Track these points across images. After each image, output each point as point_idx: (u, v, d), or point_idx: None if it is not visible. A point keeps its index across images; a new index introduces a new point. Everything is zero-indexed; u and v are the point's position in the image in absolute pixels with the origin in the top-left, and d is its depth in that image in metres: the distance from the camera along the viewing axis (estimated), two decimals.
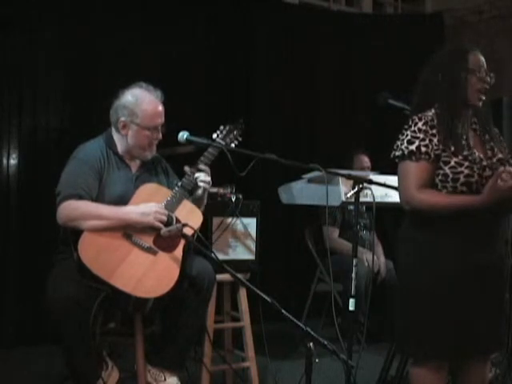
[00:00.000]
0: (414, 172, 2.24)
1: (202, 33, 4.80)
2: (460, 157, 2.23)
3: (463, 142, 2.26)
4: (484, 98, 2.31)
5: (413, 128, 2.27)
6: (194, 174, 2.88)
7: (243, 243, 3.26)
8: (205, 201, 2.98)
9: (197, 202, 2.91)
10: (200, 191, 2.90)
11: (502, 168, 2.16)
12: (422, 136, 2.24)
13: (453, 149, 2.23)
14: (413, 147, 2.24)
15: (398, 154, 2.28)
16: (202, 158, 2.94)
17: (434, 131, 2.25)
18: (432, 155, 2.23)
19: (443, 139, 2.24)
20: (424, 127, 2.25)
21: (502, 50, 5.35)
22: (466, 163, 2.22)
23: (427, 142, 2.23)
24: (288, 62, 5.21)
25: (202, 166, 2.91)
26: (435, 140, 2.24)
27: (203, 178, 2.89)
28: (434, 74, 2.32)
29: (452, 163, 2.22)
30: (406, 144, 2.26)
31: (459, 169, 2.22)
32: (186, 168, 2.90)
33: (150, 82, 2.90)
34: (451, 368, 2.41)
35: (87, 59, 4.32)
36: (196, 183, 2.88)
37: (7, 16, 4.08)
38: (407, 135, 2.27)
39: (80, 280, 2.50)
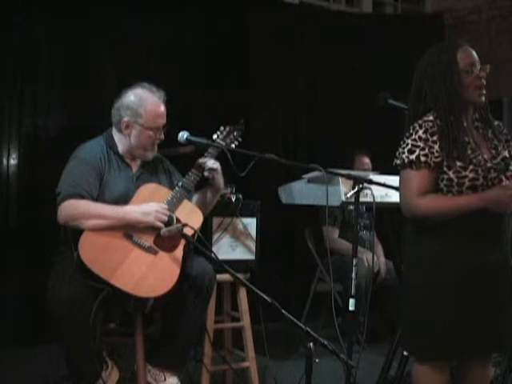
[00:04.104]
0: (415, 180, 2.24)
1: (201, 33, 4.79)
2: (464, 160, 2.22)
3: (466, 145, 2.25)
4: (484, 91, 2.30)
5: (413, 136, 2.26)
6: (203, 164, 2.89)
7: (243, 243, 3.26)
8: (216, 194, 3.00)
9: (204, 198, 2.93)
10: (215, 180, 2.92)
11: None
12: (422, 145, 2.24)
13: (456, 153, 2.23)
14: (413, 157, 2.24)
15: (398, 162, 2.29)
16: (202, 159, 2.94)
17: (435, 138, 2.24)
18: (432, 164, 2.23)
19: (445, 145, 2.23)
20: (424, 135, 2.25)
21: (502, 49, 5.35)
22: (471, 166, 2.22)
23: (427, 151, 2.23)
24: (288, 62, 5.20)
25: (208, 158, 2.92)
26: (436, 147, 2.23)
27: (211, 164, 2.90)
28: (427, 76, 2.31)
29: (456, 167, 2.22)
30: (406, 153, 2.25)
31: (464, 173, 2.21)
32: (199, 160, 2.91)
33: (150, 82, 2.90)
34: (452, 368, 2.41)
35: (87, 59, 4.32)
36: (199, 179, 2.88)
37: (7, 15, 4.08)
38: (408, 144, 2.26)
39: (80, 280, 2.50)
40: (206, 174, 2.90)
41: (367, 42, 5.44)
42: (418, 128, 2.27)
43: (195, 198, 2.97)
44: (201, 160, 2.92)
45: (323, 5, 5.73)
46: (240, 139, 3.12)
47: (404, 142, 2.29)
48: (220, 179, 2.97)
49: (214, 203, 3.02)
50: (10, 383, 3.45)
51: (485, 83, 2.29)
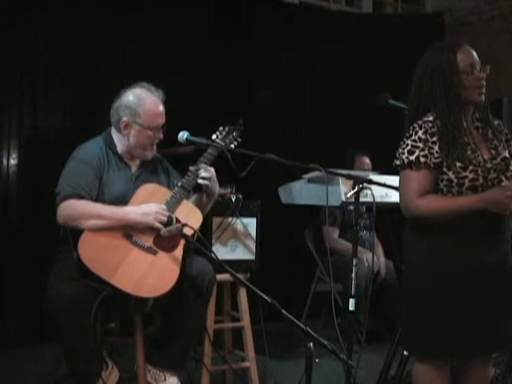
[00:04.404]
0: (414, 180, 2.24)
1: (201, 32, 4.79)
2: (464, 161, 2.22)
3: (465, 145, 2.25)
4: (484, 91, 2.29)
5: (413, 137, 2.26)
6: (196, 171, 2.89)
7: (243, 243, 3.26)
8: (211, 199, 2.98)
9: (200, 201, 2.92)
10: (204, 187, 2.91)
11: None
12: (421, 146, 2.24)
13: (455, 154, 2.23)
14: (412, 158, 2.24)
15: (398, 163, 2.29)
16: (201, 159, 2.94)
17: (435, 138, 2.24)
18: (431, 165, 2.23)
19: (445, 146, 2.23)
20: (424, 136, 2.25)
21: (502, 50, 5.35)
22: (471, 167, 2.22)
23: (426, 151, 2.23)
24: (288, 62, 5.20)
25: (202, 165, 2.91)
26: (436, 148, 2.24)
27: (204, 174, 2.89)
28: (427, 77, 2.30)
29: (456, 168, 2.22)
30: (406, 154, 2.26)
31: (463, 173, 2.21)
32: (191, 167, 2.91)
33: (150, 81, 2.90)
34: (452, 367, 2.42)
35: (87, 59, 4.32)
36: (197, 181, 2.88)
37: (7, 16, 4.08)
38: (408, 144, 2.26)
39: (80, 280, 2.50)
40: (199, 181, 2.89)
41: (367, 42, 5.44)
42: (417, 129, 2.27)
43: (191, 200, 2.96)
44: (194, 168, 2.91)
45: (323, 5, 5.72)
46: (239, 139, 3.12)
47: (404, 143, 2.29)
48: (214, 186, 2.96)
49: (209, 207, 3.01)
50: (10, 383, 3.45)
51: (485, 84, 2.29)
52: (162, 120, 2.86)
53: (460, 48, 2.29)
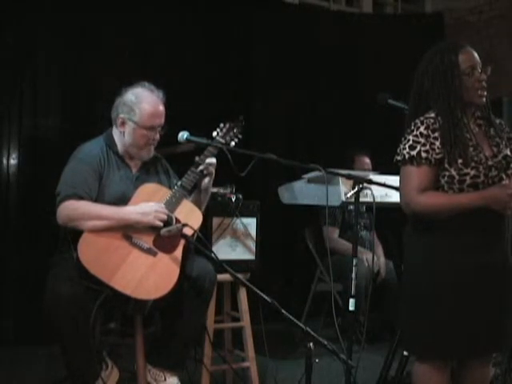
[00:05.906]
0: (415, 176, 2.24)
1: (201, 32, 4.79)
2: (465, 158, 2.22)
3: (467, 143, 2.25)
4: (485, 92, 2.29)
5: (415, 132, 2.26)
6: (199, 163, 2.89)
7: (243, 243, 3.26)
8: (208, 193, 2.98)
9: (199, 196, 2.92)
10: (206, 180, 2.91)
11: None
12: (423, 141, 2.24)
13: (457, 152, 2.23)
14: (414, 152, 2.24)
15: (399, 158, 2.29)
16: (201, 157, 2.94)
17: (436, 134, 2.24)
18: (433, 160, 2.23)
19: (447, 143, 2.23)
20: (426, 131, 2.25)
21: (502, 50, 5.35)
22: (472, 164, 2.22)
23: (428, 147, 2.23)
24: (288, 62, 5.20)
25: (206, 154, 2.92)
26: (437, 143, 2.24)
27: (208, 160, 2.90)
28: (428, 77, 2.30)
29: (457, 165, 2.22)
30: (407, 149, 2.26)
31: (465, 170, 2.22)
32: (197, 158, 2.91)
33: (150, 81, 2.90)
34: (452, 368, 2.41)
35: (88, 59, 4.32)
36: (199, 178, 2.88)
37: (7, 15, 4.08)
38: (409, 140, 2.27)
39: (80, 280, 2.50)
40: (201, 167, 2.88)
41: (367, 42, 5.44)
42: (419, 124, 2.27)
43: (190, 198, 2.95)
44: (199, 158, 2.92)
45: (323, 5, 5.73)
46: (240, 136, 3.11)
47: (405, 138, 2.29)
48: (210, 180, 2.96)
49: (205, 203, 3.00)
50: (10, 383, 3.45)
51: (485, 85, 2.29)
52: (158, 121, 2.84)
53: (461, 49, 2.29)
